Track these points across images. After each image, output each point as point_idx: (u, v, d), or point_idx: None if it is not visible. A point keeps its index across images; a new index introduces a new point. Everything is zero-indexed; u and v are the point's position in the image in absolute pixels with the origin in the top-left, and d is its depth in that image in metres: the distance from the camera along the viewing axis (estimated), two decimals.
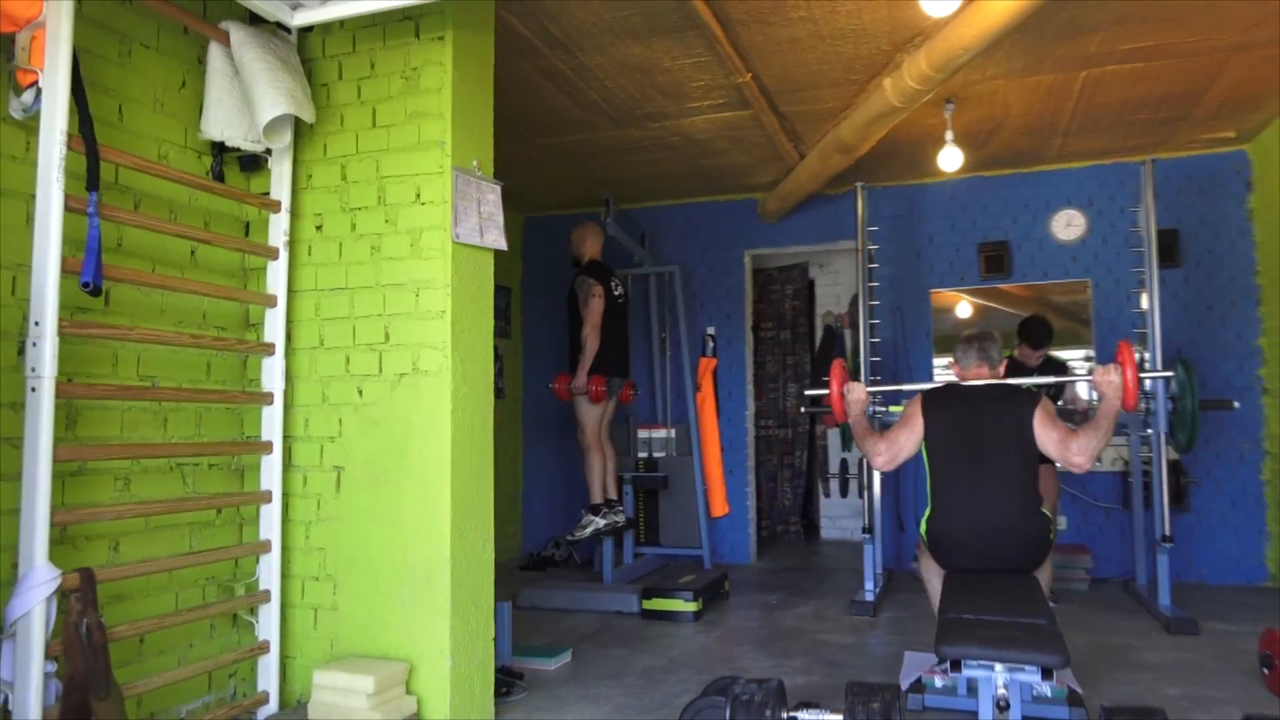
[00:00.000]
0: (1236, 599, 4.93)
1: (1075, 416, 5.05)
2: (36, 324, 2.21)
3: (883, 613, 4.75)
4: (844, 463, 6.07)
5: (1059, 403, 5.10)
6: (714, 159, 5.61)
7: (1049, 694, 2.72)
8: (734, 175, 5.98)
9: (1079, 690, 2.99)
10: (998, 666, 2.20)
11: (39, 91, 2.31)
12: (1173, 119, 4.99)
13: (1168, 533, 4.43)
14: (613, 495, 5.34)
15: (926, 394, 3.37)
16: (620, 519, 5.28)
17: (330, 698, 2.72)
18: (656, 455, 6.25)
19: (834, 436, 7.71)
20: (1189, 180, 5.59)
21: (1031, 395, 3.21)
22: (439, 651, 2.84)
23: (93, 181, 2.34)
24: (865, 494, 5.07)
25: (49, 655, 2.18)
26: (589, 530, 5.18)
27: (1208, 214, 5.56)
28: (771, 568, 6.26)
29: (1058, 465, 3.47)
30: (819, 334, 7.74)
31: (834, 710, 2.40)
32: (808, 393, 5.43)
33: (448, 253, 2.91)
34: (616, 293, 5.34)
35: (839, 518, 7.65)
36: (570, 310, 5.28)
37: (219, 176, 3.01)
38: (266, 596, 2.91)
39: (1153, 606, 4.52)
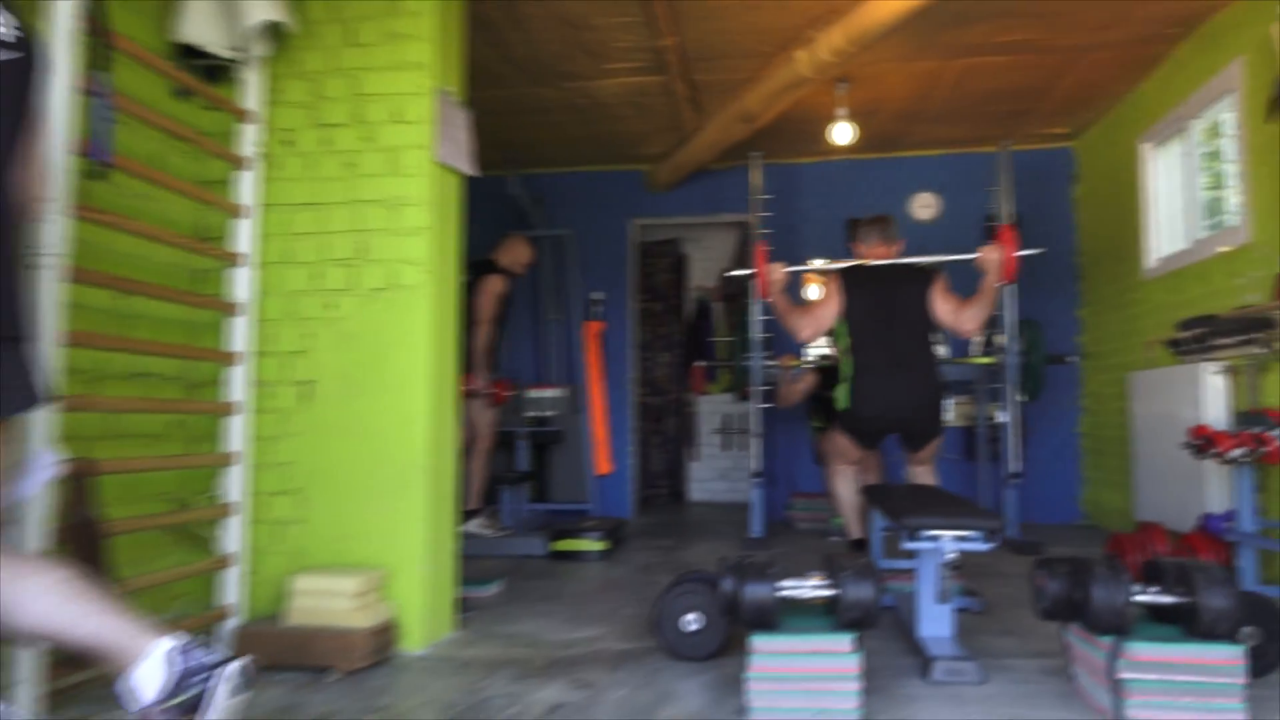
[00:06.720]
0: (1062, 534, 5.69)
1: None
2: None
3: (774, 548, 5.14)
4: (727, 418, 6.46)
5: None
6: (613, 125, 5.84)
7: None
8: (627, 143, 6.23)
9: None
10: (948, 534, 2.57)
11: None
12: (1021, 111, 5.70)
13: (1016, 470, 5.10)
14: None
15: (843, 272, 3.87)
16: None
17: (310, 602, 2.74)
18: (546, 414, 6.40)
19: (704, 404, 8.15)
20: (1025, 171, 6.34)
21: (929, 272, 3.81)
22: (414, 558, 2.92)
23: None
24: (754, 442, 5.46)
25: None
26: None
27: (1040, 202, 6.34)
28: (653, 522, 6.56)
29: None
30: (690, 306, 8.15)
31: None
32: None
33: (428, 171, 2.99)
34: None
35: (704, 480, 8.08)
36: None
37: (182, 86, 2.94)
38: (231, 510, 2.88)
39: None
